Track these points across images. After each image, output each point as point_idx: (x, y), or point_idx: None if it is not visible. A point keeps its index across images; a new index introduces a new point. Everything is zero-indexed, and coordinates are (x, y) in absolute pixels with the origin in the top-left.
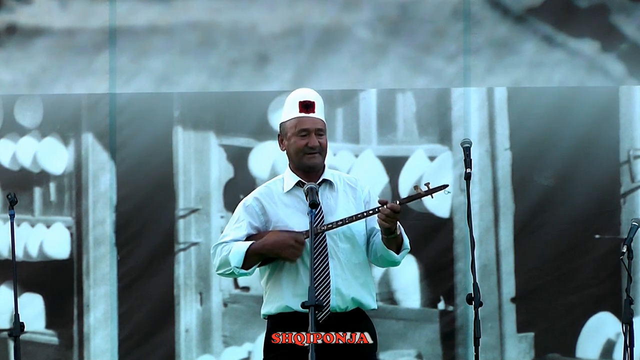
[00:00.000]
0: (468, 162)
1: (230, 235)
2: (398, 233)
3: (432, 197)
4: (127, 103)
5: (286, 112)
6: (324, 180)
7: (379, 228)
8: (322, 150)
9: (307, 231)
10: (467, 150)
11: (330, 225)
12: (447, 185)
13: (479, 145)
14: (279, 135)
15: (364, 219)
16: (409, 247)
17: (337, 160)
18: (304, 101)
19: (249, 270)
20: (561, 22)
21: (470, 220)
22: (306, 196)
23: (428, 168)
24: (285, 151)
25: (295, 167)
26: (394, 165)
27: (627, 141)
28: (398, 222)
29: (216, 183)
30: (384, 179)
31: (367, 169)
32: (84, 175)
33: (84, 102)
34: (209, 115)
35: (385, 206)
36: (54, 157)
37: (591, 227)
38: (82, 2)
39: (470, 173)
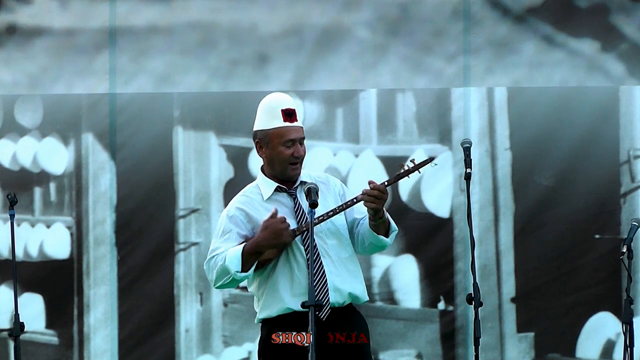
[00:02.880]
0: (468, 162)
1: (221, 248)
2: (385, 217)
3: (420, 172)
4: (127, 103)
5: (265, 119)
6: (301, 182)
7: (360, 217)
8: (303, 159)
9: (296, 228)
10: (467, 150)
11: (321, 218)
12: (433, 158)
13: (479, 145)
14: (257, 142)
15: (343, 212)
16: (397, 228)
17: (337, 160)
18: (287, 109)
19: (249, 273)
20: (561, 22)
21: (470, 220)
22: (306, 196)
23: (428, 168)
24: (264, 157)
25: (274, 174)
26: (394, 165)
27: (627, 141)
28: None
29: (216, 183)
30: (384, 179)
31: (367, 169)
32: (84, 175)
33: (84, 102)
34: (209, 115)
35: (370, 187)
36: (54, 157)
37: (591, 227)
38: (82, 2)
39: (470, 173)
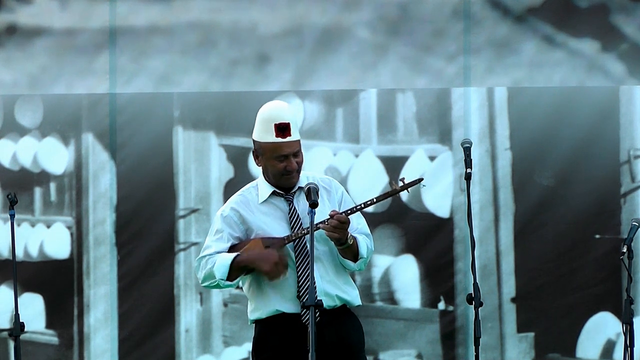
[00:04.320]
0: (468, 162)
1: (212, 248)
2: (350, 243)
3: (408, 191)
4: (127, 103)
5: (260, 131)
6: (300, 188)
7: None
8: (299, 169)
9: (287, 236)
10: (467, 150)
11: (304, 232)
12: (421, 179)
13: (479, 145)
14: (253, 150)
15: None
16: (366, 255)
17: (337, 160)
18: (280, 124)
19: (234, 282)
20: (561, 22)
21: (471, 220)
22: (307, 196)
23: (428, 168)
24: (260, 166)
25: (270, 182)
26: (394, 165)
27: (627, 141)
28: (365, 227)
29: (216, 183)
30: (384, 179)
31: (367, 169)
32: (84, 175)
33: (84, 102)
34: (209, 115)
35: (330, 218)
36: (54, 157)
37: (591, 227)
38: (82, 2)
39: (470, 173)
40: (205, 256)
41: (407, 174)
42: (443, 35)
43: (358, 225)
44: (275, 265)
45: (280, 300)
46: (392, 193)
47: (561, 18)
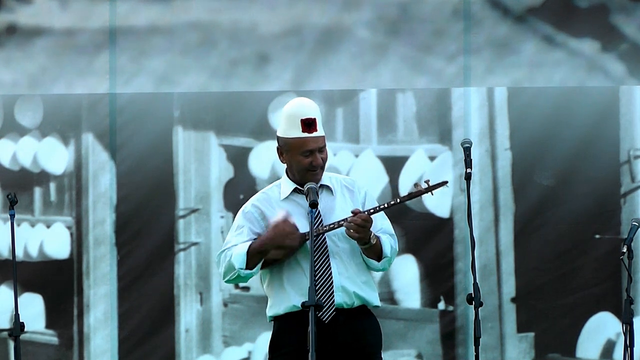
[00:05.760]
0: (468, 162)
1: (232, 242)
2: (373, 242)
3: (432, 194)
4: (127, 103)
5: (287, 127)
6: (322, 186)
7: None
8: (324, 165)
9: (307, 233)
10: (467, 150)
11: (330, 226)
12: (446, 182)
13: (479, 145)
14: (278, 147)
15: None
16: (390, 254)
17: (337, 160)
18: (306, 119)
19: (254, 270)
20: (561, 22)
21: (471, 220)
22: (306, 196)
23: (428, 168)
24: (285, 163)
25: (294, 179)
26: (394, 165)
27: (627, 141)
28: (389, 228)
29: (216, 183)
30: (384, 179)
31: (367, 169)
32: (84, 175)
33: (84, 102)
34: (209, 115)
35: (355, 216)
36: (54, 157)
37: (591, 227)
38: (82, 2)
39: (470, 173)
40: (224, 250)
41: (407, 174)
42: (443, 35)
43: (382, 225)
44: (289, 234)
45: (297, 296)
46: (416, 194)
47: (561, 18)
